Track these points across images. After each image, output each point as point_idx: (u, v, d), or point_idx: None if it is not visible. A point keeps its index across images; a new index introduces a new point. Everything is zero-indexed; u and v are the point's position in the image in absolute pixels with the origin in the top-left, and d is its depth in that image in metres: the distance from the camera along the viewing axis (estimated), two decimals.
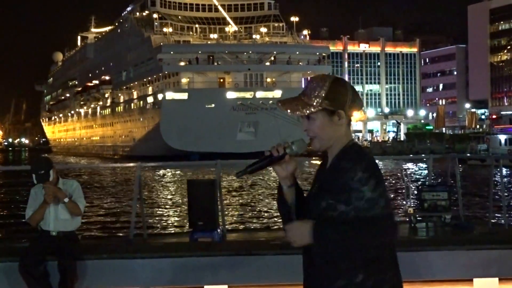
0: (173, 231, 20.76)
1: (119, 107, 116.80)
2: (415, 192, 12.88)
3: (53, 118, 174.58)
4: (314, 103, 3.29)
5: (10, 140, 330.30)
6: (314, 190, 3.36)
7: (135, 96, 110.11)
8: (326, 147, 3.37)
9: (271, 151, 3.31)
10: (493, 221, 12.47)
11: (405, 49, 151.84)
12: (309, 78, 3.30)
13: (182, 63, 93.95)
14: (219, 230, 10.69)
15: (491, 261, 8.49)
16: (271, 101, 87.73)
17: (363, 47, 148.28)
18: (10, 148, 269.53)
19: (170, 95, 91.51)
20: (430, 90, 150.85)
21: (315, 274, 3.32)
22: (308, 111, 3.29)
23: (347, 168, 3.22)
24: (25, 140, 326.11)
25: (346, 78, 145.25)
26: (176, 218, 25.24)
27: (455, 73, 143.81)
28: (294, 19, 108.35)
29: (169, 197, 35.07)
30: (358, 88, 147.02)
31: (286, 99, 3.38)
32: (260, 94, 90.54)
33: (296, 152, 3.32)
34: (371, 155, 3.35)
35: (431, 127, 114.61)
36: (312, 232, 3.15)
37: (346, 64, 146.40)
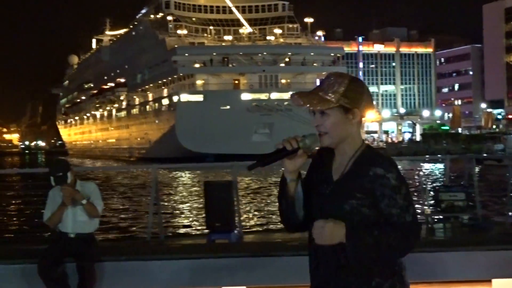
0: (190, 233, 20.78)
1: (134, 110, 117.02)
2: (432, 192, 12.82)
3: (69, 120, 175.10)
4: (333, 99, 3.27)
5: (27, 143, 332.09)
6: (327, 191, 3.33)
7: (150, 98, 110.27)
8: (335, 144, 3.35)
9: (284, 144, 3.28)
10: (511, 221, 12.42)
11: (420, 49, 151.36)
12: (317, 81, 3.28)
13: (196, 65, 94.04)
14: (236, 232, 10.71)
15: (509, 262, 8.45)
16: (286, 102, 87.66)
17: (378, 48, 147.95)
18: (26, 151, 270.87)
19: (185, 97, 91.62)
20: (445, 90, 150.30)
21: (333, 275, 3.30)
22: (325, 107, 3.27)
23: (380, 175, 3.22)
24: (41, 143, 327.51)
25: (361, 79, 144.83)
26: (193, 220, 25.26)
27: (471, 73, 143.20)
28: (308, 20, 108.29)
29: (185, 198, 35.10)
30: (373, 88, 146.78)
31: (301, 92, 3.35)
32: (275, 95, 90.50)
33: (309, 146, 3.30)
34: (394, 160, 3.36)
35: (447, 128, 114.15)
36: (347, 233, 3.16)
37: (360, 64, 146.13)
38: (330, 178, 3.36)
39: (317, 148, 3.40)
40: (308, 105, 3.28)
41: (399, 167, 3.32)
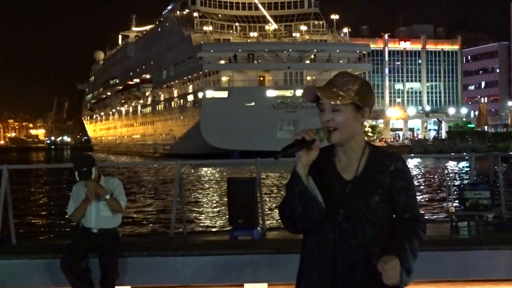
0: (213, 229, 20.80)
1: (159, 106, 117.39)
2: (457, 191, 12.75)
3: (94, 116, 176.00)
4: (348, 95, 3.32)
5: (53, 138, 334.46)
6: (346, 190, 3.35)
7: (175, 94, 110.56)
8: (343, 142, 3.40)
9: (302, 135, 3.29)
10: None
11: (447, 47, 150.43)
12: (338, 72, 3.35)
13: (222, 62, 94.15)
14: (259, 228, 10.70)
15: None
16: None
17: (404, 45, 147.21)
18: (52, 146, 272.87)
19: (210, 93, 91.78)
20: (472, 88, 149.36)
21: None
22: (342, 101, 3.32)
23: (400, 169, 3.37)
24: (67, 139, 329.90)
25: (387, 76, 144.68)
26: (216, 216, 25.29)
27: (498, 70, 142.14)
28: (334, 17, 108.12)
29: (209, 195, 35.16)
30: (398, 86, 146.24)
31: (317, 86, 3.40)
32: (300, 92, 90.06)
33: (323, 139, 3.34)
34: None
35: (473, 126, 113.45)
36: (401, 260, 3.21)
37: (386, 62, 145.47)
38: (341, 178, 3.40)
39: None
40: (326, 99, 3.31)
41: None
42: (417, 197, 3.49)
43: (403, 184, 3.35)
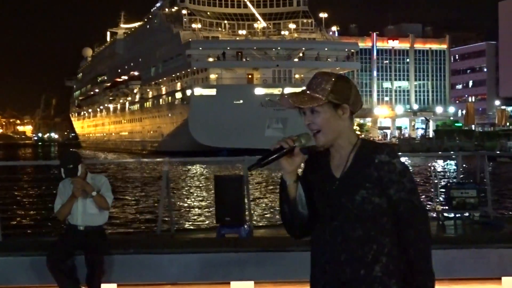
0: (200, 227, 20.79)
1: (147, 103, 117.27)
2: (444, 189, 12.79)
3: (82, 113, 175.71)
4: (321, 96, 3.32)
5: (40, 134, 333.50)
6: (334, 187, 3.35)
7: (163, 91, 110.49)
8: (330, 142, 3.39)
9: (280, 144, 3.32)
10: None
11: (435, 46, 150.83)
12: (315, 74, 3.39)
13: (210, 59, 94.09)
14: (246, 226, 10.70)
15: None
16: None
17: (392, 44, 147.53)
18: (39, 143, 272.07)
19: (198, 91, 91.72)
20: (459, 87, 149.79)
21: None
22: (314, 104, 3.32)
23: (385, 162, 3.30)
24: (54, 135, 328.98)
25: (375, 75, 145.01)
26: (204, 214, 25.28)
27: (485, 70, 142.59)
28: (323, 15, 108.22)
29: (196, 192, 35.14)
30: (386, 84, 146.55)
31: (291, 93, 3.43)
32: (288, 90, 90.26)
33: (304, 145, 3.34)
34: None
35: (460, 124, 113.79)
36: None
37: (375, 60, 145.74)
38: (332, 176, 3.39)
39: (311, 145, 3.42)
40: (298, 104, 3.35)
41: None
42: (418, 192, 3.38)
43: (390, 177, 3.28)
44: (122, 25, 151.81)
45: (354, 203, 3.28)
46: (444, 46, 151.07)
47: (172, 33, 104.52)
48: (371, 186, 3.28)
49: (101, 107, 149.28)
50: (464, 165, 14.13)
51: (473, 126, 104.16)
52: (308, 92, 3.36)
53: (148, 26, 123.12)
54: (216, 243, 9.62)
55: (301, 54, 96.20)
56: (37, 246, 8.86)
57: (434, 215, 12.36)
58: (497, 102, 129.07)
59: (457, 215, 11.78)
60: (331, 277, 3.34)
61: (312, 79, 3.41)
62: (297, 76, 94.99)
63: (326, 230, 3.34)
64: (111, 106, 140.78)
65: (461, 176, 13.50)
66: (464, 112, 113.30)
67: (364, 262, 3.26)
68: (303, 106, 3.34)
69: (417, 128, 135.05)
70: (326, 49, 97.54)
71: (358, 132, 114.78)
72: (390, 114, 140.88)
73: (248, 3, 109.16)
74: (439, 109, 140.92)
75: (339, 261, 3.30)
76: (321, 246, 3.37)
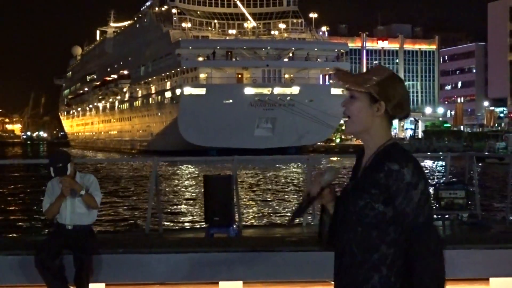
0: (189, 227, 20.78)
1: (137, 102, 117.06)
2: (432, 190, 12.82)
3: (71, 112, 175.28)
4: (364, 84, 3.26)
5: (29, 133, 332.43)
6: (349, 187, 3.33)
7: (153, 91, 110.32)
8: (357, 133, 3.34)
9: (308, 191, 3.36)
10: (510, 219, 12.40)
11: (424, 46, 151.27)
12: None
13: (200, 58, 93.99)
14: (235, 226, 10.71)
15: (507, 260, 8.43)
16: (289, 97, 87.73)
17: (382, 44, 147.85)
18: (28, 142, 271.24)
19: (188, 90, 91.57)
20: (448, 87, 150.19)
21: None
22: (355, 87, 3.28)
23: (394, 170, 3.16)
24: (43, 134, 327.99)
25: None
26: (193, 213, 25.26)
27: (474, 71, 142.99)
28: (313, 15, 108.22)
29: (185, 192, 35.12)
30: None
31: (343, 70, 3.43)
32: (278, 90, 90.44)
33: (330, 181, 3.33)
34: (414, 156, 3.28)
35: (449, 125, 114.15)
36: None
37: (364, 61, 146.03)
38: (355, 176, 3.37)
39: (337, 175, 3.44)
40: (340, 80, 3.32)
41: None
42: (430, 210, 3.21)
43: (398, 186, 3.13)
44: (111, 24, 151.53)
45: (356, 207, 3.22)
46: (433, 47, 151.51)
47: (162, 32, 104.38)
48: (377, 192, 3.17)
49: (90, 106, 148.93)
50: (452, 167, 14.16)
51: (461, 127, 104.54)
52: (358, 77, 3.33)
53: (137, 25, 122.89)
54: (205, 243, 9.61)
55: (290, 54, 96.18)
56: (25, 245, 8.84)
57: None
58: (486, 103, 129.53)
59: (445, 216, 11.81)
60: (338, 281, 3.33)
61: (371, 68, 3.38)
62: (286, 76, 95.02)
63: (339, 230, 3.34)
64: (100, 105, 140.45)
65: (450, 176, 13.53)
66: (453, 112, 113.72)
67: (363, 269, 3.20)
68: (345, 84, 3.31)
69: (406, 129, 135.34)
70: (315, 49, 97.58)
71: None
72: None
73: (238, 3, 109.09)
74: (428, 110, 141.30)
75: (343, 265, 3.28)
76: (336, 247, 3.36)
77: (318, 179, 3.32)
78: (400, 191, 3.14)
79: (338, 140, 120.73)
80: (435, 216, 11.93)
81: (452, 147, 78.52)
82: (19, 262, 8.28)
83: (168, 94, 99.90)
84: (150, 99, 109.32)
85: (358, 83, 3.28)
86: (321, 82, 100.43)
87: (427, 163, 57.05)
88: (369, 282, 3.18)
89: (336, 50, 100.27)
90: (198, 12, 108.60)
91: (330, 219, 3.40)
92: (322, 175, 3.32)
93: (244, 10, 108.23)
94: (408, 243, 3.15)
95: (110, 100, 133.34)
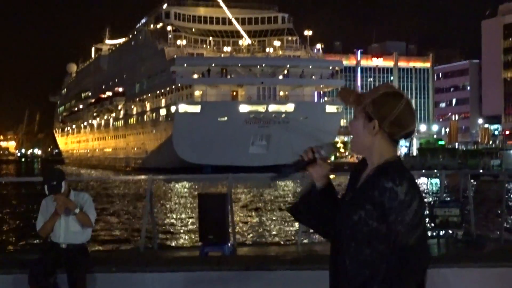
0: (183, 245, 20.72)
1: (132, 119, 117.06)
2: (427, 208, 12.81)
3: (66, 129, 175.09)
4: (362, 102, 3.26)
5: (23, 150, 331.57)
6: (347, 199, 3.31)
7: (148, 108, 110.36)
8: (360, 152, 3.33)
9: (302, 156, 3.32)
10: (505, 237, 12.40)
11: (418, 64, 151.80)
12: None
13: (195, 76, 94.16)
14: (229, 244, 10.67)
15: (503, 279, 8.42)
16: (283, 115, 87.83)
17: (376, 62, 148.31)
18: (23, 159, 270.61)
19: (183, 107, 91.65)
20: (443, 105, 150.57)
21: None
22: (351, 105, 3.30)
23: (388, 188, 3.13)
24: (38, 151, 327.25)
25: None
26: (187, 232, 25.20)
27: (468, 88, 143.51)
28: (308, 32, 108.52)
29: (180, 210, 35.05)
30: None
31: (347, 88, 3.44)
32: (273, 107, 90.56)
33: (326, 156, 3.32)
34: (411, 175, 3.23)
35: (443, 142, 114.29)
36: None
37: (359, 78, 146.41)
38: (353, 189, 3.33)
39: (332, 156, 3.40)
40: (341, 99, 3.35)
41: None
42: (423, 230, 3.16)
43: (391, 204, 3.09)
44: (107, 41, 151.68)
45: (350, 222, 3.20)
46: (427, 65, 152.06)
47: (156, 49, 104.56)
48: (371, 208, 3.15)
49: (85, 123, 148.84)
50: (446, 184, 14.17)
51: (456, 144, 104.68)
52: (360, 94, 3.33)
53: (132, 42, 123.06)
54: (199, 261, 9.57)
55: (285, 71, 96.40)
56: (18, 263, 8.78)
57: None
58: (480, 121, 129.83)
59: (440, 234, 11.80)
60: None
61: (375, 87, 3.35)
62: (281, 93, 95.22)
63: (332, 242, 3.33)
64: (95, 122, 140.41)
65: (445, 194, 13.53)
66: (447, 130, 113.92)
67: (354, 285, 3.18)
68: (344, 102, 3.33)
69: (401, 146, 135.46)
70: (310, 66, 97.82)
71: (342, 150, 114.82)
72: None
73: (233, 20, 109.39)
74: (422, 127, 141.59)
75: (336, 280, 3.27)
76: (329, 261, 3.34)
77: (314, 149, 3.33)
78: (394, 210, 3.10)
79: (332, 158, 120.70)
80: (430, 233, 11.92)
81: (447, 165, 78.63)
82: (12, 281, 8.24)
83: (163, 112, 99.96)
84: (145, 116, 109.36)
85: (357, 102, 3.27)
86: (316, 100, 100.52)
87: (422, 180, 57.07)
88: None
89: (330, 67, 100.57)
90: (193, 30, 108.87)
91: (318, 203, 3.37)
92: (319, 149, 3.33)
93: (239, 27, 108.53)
94: (399, 263, 3.12)
95: (105, 117, 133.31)
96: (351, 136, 3.33)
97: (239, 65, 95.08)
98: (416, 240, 3.11)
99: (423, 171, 69.70)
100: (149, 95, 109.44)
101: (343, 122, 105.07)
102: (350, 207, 3.24)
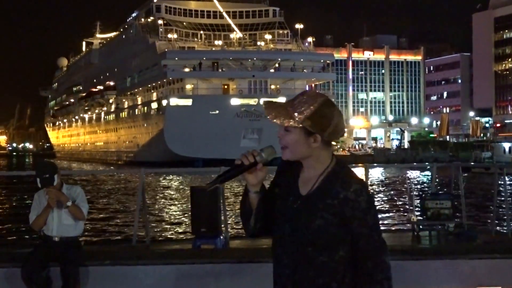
0: (176, 238, 20.73)
1: (123, 113, 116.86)
2: (418, 200, 12.86)
3: (57, 123, 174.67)
4: (297, 119, 3.22)
5: (14, 145, 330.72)
6: (295, 205, 3.29)
7: (139, 102, 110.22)
8: (295, 159, 3.32)
9: (241, 159, 3.29)
10: (496, 229, 12.45)
11: (410, 57, 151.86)
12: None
13: (186, 69, 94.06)
14: (222, 237, 10.69)
15: (494, 270, 8.47)
16: None
17: (368, 55, 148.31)
18: (14, 153, 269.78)
19: (174, 101, 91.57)
20: (434, 98, 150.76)
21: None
22: (288, 124, 3.24)
23: (351, 199, 3.20)
24: (29, 145, 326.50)
25: (350, 86, 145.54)
26: (179, 225, 25.21)
27: (460, 81, 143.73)
28: (299, 26, 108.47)
29: (172, 203, 35.04)
30: (362, 95, 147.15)
31: (273, 102, 3.35)
32: (264, 101, 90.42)
33: (266, 159, 3.30)
34: (361, 179, 3.31)
35: (435, 135, 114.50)
36: None
37: (350, 71, 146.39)
38: (297, 191, 3.33)
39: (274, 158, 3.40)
40: (271, 118, 3.27)
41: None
42: (380, 227, 3.33)
43: (353, 214, 3.19)
44: (97, 35, 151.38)
45: (309, 228, 3.21)
46: (419, 58, 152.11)
47: (148, 43, 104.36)
48: (330, 217, 3.20)
49: (76, 117, 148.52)
50: (437, 177, 14.20)
51: (447, 137, 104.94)
52: (288, 108, 3.26)
53: (124, 36, 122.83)
54: (192, 254, 9.60)
55: (277, 65, 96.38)
56: (11, 257, 8.79)
57: (410, 225, 12.43)
58: (471, 113, 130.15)
59: (432, 226, 11.84)
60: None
61: (299, 95, 3.30)
62: (273, 86, 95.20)
63: (284, 247, 3.32)
64: (86, 116, 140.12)
65: (436, 187, 13.57)
66: (438, 123, 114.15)
67: (315, 285, 3.23)
68: (276, 122, 3.26)
69: (393, 139, 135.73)
70: (301, 60, 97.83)
71: (333, 143, 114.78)
72: (366, 125, 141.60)
73: (224, 14, 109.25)
74: (414, 120, 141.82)
75: (294, 281, 3.29)
76: (281, 264, 3.35)
77: (255, 153, 3.30)
78: (356, 217, 3.21)
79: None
80: (421, 225, 11.96)
81: (438, 157, 78.79)
82: (5, 274, 8.25)
83: (154, 105, 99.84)
84: (136, 110, 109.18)
85: (290, 116, 3.23)
86: None
87: (413, 173, 57.18)
88: None
89: (322, 60, 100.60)
90: (184, 23, 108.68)
91: (249, 210, 3.39)
92: (260, 152, 3.30)
93: (230, 21, 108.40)
94: (359, 259, 3.23)
95: (96, 111, 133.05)
96: (285, 147, 3.29)
97: (230, 58, 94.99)
98: (379, 236, 3.26)
99: (415, 163, 69.94)
100: (140, 89, 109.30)
101: None
102: (306, 214, 3.25)
